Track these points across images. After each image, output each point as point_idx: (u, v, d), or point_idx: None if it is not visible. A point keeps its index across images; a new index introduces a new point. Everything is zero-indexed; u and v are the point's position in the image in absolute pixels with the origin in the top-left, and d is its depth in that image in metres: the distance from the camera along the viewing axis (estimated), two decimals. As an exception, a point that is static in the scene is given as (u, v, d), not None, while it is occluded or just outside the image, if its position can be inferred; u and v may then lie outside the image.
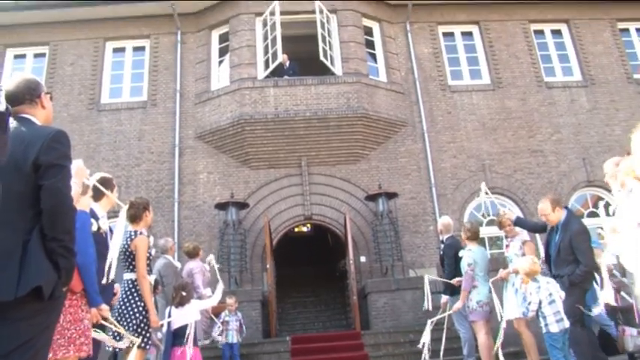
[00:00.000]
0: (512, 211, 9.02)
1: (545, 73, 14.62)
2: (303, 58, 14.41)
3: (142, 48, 14.60)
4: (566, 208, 6.06)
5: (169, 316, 6.48)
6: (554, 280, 5.74)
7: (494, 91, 14.25)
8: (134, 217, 5.07)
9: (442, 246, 8.34)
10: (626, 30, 15.48)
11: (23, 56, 14.50)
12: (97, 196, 4.34)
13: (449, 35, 15.08)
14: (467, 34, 15.13)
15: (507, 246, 7.39)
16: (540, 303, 5.56)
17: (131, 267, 4.99)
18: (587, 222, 12.26)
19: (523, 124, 13.94)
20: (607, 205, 11.91)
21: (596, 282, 6.42)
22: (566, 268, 5.65)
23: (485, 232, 12.51)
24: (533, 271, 5.68)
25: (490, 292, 7.07)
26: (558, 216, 5.91)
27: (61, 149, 2.52)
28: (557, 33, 15.33)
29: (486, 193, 7.81)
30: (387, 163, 13.44)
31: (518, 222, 7.04)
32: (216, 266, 8.03)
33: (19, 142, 2.44)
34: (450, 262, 7.80)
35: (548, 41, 15.21)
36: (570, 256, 5.65)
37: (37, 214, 2.41)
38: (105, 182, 4.50)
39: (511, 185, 13.33)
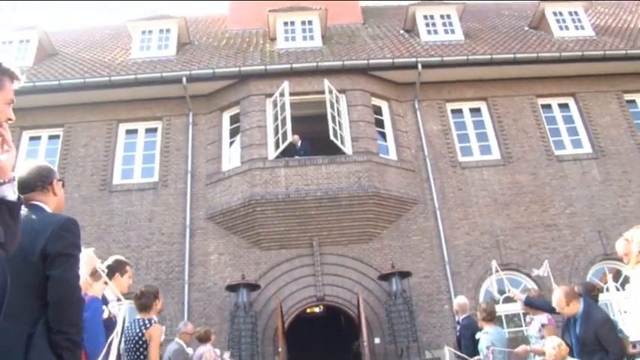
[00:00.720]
0: (534, 289, 8.79)
1: (555, 147, 14.62)
2: (313, 137, 14.54)
3: (154, 129, 14.81)
4: (581, 296, 5.81)
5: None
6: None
7: (504, 166, 14.22)
8: (144, 306, 5.01)
9: (458, 327, 8.16)
10: (633, 101, 15.58)
11: (38, 138, 14.70)
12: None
13: (457, 112, 15.22)
14: (475, 110, 15.27)
15: (529, 323, 7.22)
16: None
17: (142, 357, 4.85)
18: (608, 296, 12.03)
19: (535, 198, 13.81)
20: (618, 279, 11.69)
21: None
22: (594, 358, 5.42)
23: (502, 309, 12.21)
24: (561, 356, 5.47)
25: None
26: (575, 308, 5.66)
27: (70, 238, 2.45)
28: (564, 106, 15.43)
29: (497, 271, 7.70)
30: (400, 241, 13.26)
31: (528, 302, 6.92)
32: None
33: (28, 230, 2.36)
34: (468, 344, 7.63)
35: (556, 115, 15.30)
36: (597, 346, 5.41)
37: (43, 305, 2.31)
38: (118, 265, 4.50)
39: (526, 261, 13.05)
